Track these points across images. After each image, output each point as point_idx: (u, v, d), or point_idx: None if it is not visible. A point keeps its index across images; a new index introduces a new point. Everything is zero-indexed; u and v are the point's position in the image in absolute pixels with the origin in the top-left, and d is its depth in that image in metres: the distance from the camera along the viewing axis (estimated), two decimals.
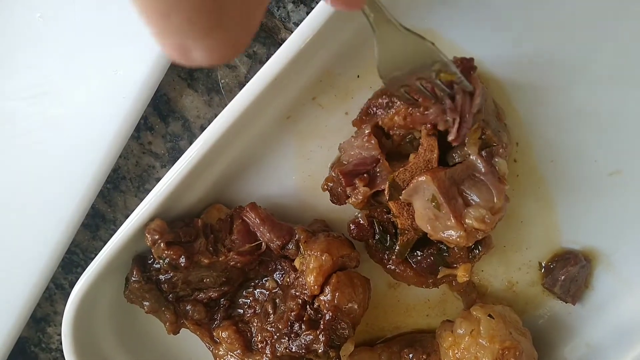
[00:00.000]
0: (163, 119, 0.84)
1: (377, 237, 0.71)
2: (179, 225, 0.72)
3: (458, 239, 0.62)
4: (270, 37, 0.77)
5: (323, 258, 0.67)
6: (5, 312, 0.87)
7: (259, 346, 0.71)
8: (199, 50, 0.35)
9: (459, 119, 0.61)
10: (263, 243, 0.71)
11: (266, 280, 0.74)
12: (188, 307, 0.74)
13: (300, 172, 0.77)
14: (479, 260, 0.69)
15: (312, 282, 0.67)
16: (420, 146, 0.64)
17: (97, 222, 0.89)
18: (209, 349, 0.76)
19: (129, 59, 0.75)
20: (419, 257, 0.70)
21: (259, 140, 0.74)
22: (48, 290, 0.91)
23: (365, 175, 0.67)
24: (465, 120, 0.61)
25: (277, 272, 0.73)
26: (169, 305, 0.74)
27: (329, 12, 0.64)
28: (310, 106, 0.74)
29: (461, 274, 0.69)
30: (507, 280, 0.78)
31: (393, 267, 0.71)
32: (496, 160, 0.63)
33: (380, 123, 0.66)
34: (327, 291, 0.67)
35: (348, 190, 0.67)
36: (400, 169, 0.65)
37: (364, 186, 0.67)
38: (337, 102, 0.73)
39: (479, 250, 0.69)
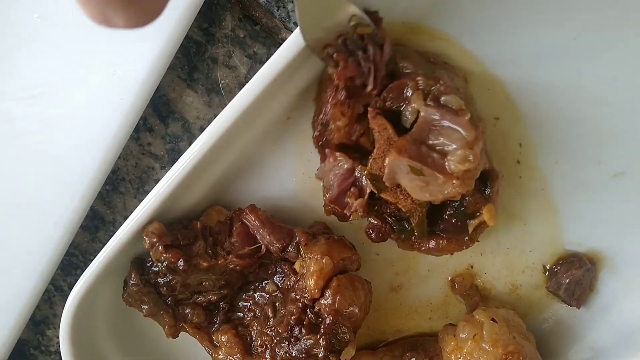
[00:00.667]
0: (163, 120, 0.82)
1: (395, 228, 0.69)
2: (178, 228, 0.70)
3: (457, 189, 0.60)
4: (270, 37, 0.76)
5: (323, 261, 0.66)
6: (4, 314, 0.86)
7: (259, 350, 0.70)
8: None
9: (373, 68, 0.61)
10: (263, 246, 0.70)
11: (266, 284, 0.73)
12: (187, 311, 0.73)
13: (300, 174, 0.75)
14: (496, 194, 0.66)
15: (312, 285, 0.66)
16: (374, 131, 0.63)
17: (96, 223, 0.88)
18: (209, 352, 0.75)
19: (128, 60, 0.74)
20: (443, 225, 0.68)
21: (258, 141, 0.73)
22: (47, 293, 0.90)
23: (352, 189, 0.67)
24: (379, 69, 0.62)
25: (278, 275, 0.72)
26: (167, 309, 0.72)
27: None
28: (310, 107, 0.72)
29: (488, 217, 0.65)
30: (510, 284, 0.77)
31: (426, 247, 0.69)
32: (444, 99, 0.61)
33: (332, 140, 0.66)
34: (327, 295, 0.66)
35: (346, 211, 0.67)
36: (371, 160, 0.63)
37: (355, 199, 0.66)
38: None
39: (489, 186, 0.66)
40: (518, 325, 0.70)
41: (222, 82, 0.80)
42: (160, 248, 0.67)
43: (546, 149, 0.71)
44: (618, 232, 0.73)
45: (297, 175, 0.75)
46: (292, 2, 0.74)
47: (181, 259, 0.68)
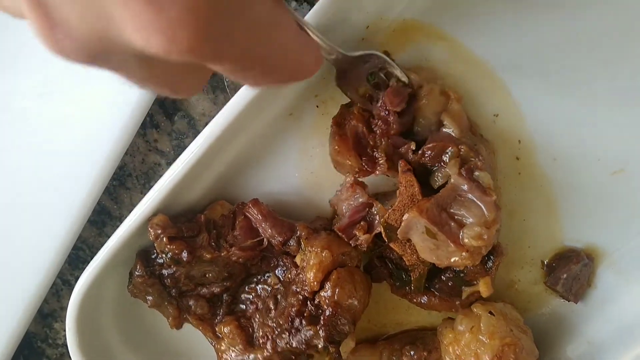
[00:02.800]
0: (169, 117, 0.83)
1: (393, 274, 0.72)
2: (182, 221, 0.70)
3: (463, 261, 0.62)
4: None
5: (323, 255, 0.66)
6: (12, 307, 0.86)
7: (260, 341, 0.70)
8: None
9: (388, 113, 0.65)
10: (265, 239, 0.70)
11: (268, 277, 0.73)
12: (191, 302, 0.73)
13: (303, 170, 0.75)
14: (496, 269, 0.68)
15: (311, 278, 0.66)
16: (400, 184, 0.65)
17: (103, 218, 0.88)
18: (211, 343, 0.75)
19: None
20: (439, 284, 0.70)
21: (261, 138, 0.73)
22: (55, 286, 0.91)
23: (362, 223, 0.68)
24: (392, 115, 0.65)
25: (279, 268, 0.72)
26: (171, 300, 0.73)
27: (331, 10, 0.63)
28: (312, 104, 0.72)
29: (484, 289, 0.67)
30: (509, 279, 0.76)
31: (418, 300, 0.71)
32: (477, 174, 0.63)
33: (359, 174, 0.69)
34: (327, 287, 0.66)
35: (352, 242, 0.68)
36: (390, 211, 0.65)
37: (363, 234, 0.68)
38: (337, 100, 0.71)
39: (492, 260, 0.67)
40: (515, 319, 0.70)
41: (227, 80, 0.80)
42: (164, 240, 0.67)
43: (545, 147, 0.71)
44: (616, 228, 0.72)
45: (299, 171, 0.75)
46: (296, 0, 0.75)
47: (185, 251, 0.68)
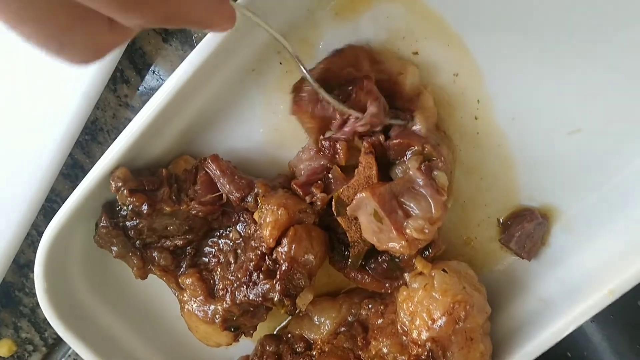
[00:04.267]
0: (138, 72, 0.82)
1: (333, 247, 0.72)
2: (145, 174, 0.70)
3: (401, 249, 0.63)
4: None
5: (279, 212, 0.66)
6: None
7: (220, 294, 0.70)
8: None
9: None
10: (223, 194, 0.70)
11: (230, 231, 0.72)
12: (155, 254, 0.73)
13: (267, 126, 0.74)
14: (431, 262, 0.69)
15: (267, 235, 0.66)
16: (360, 164, 0.65)
17: (76, 172, 0.88)
18: (175, 294, 0.75)
19: None
20: (374, 264, 0.71)
21: (225, 92, 0.71)
22: (31, 237, 0.91)
23: (319, 182, 0.69)
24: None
25: (240, 224, 0.71)
26: (136, 251, 0.72)
27: None
28: (274, 61, 0.71)
29: (420, 266, 0.69)
30: (465, 236, 0.76)
31: (352, 275, 0.72)
32: (435, 173, 0.64)
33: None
34: (284, 243, 0.66)
35: (307, 198, 0.69)
36: (344, 187, 0.66)
37: (320, 192, 0.68)
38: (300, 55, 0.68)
39: (428, 252, 0.69)
40: (469, 276, 0.69)
41: (195, 35, 0.79)
42: (125, 192, 0.67)
43: (503, 106, 0.69)
44: (571, 188, 0.71)
45: (263, 127, 0.74)
46: None
47: (145, 203, 0.67)
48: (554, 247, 0.74)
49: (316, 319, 0.76)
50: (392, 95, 0.68)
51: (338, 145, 0.67)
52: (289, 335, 0.77)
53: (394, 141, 0.66)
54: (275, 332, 0.81)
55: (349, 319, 0.75)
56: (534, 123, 0.70)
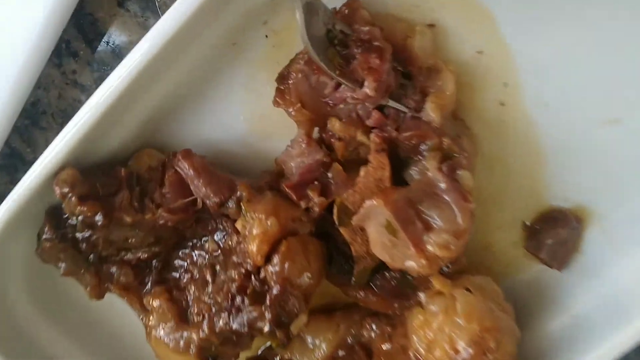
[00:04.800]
0: (89, 44, 0.73)
1: (332, 258, 0.64)
2: (98, 175, 0.61)
3: (419, 269, 0.56)
4: None
5: (268, 222, 0.56)
6: None
7: (196, 319, 0.60)
8: None
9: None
10: (198, 199, 0.60)
11: (206, 241, 0.63)
12: (113, 269, 0.63)
13: (249, 112, 0.66)
14: (451, 278, 0.61)
15: (254, 251, 0.56)
16: (369, 164, 0.58)
17: (15, 163, 0.78)
18: (139, 317, 0.65)
19: None
20: (380, 281, 0.63)
21: (199, 71, 0.64)
22: None
23: (316, 183, 0.61)
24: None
25: (219, 232, 0.62)
26: (89, 267, 0.62)
27: None
28: (260, 32, 0.63)
29: (438, 285, 0.60)
30: (485, 241, 0.68)
31: (353, 293, 0.64)
32: (459, 173, 0.57)
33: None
34: (275, 260, 0.57)
35: (302, 203, 0.60)
36: (349, 191, 0.59)
37: (318, 196, 0.60)
38: (293, 31, 0.62)
39: (447, 267, 0.61)
40: (495, 294, 0.60)
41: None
42: (73, 199, 0.58)
43: (535, 90, 0.62)
44: (610, 186, 0.64)
45: (245, 113, 0.66)
46: None
47: (100, 213, 0.58)
48: (589, 255, 0.66)
49: (309, 341, 0.67)
50: (403, 66, 0.61)
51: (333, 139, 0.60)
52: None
53: (405, 134, 0.58)
54: (259, 353, 0.71)
55: (349, 340, 0.66)
56: (568, 110, 0.63)
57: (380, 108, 0.59)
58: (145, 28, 0.70)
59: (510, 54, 0.61)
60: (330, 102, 0.59)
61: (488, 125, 0.64)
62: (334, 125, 0.59)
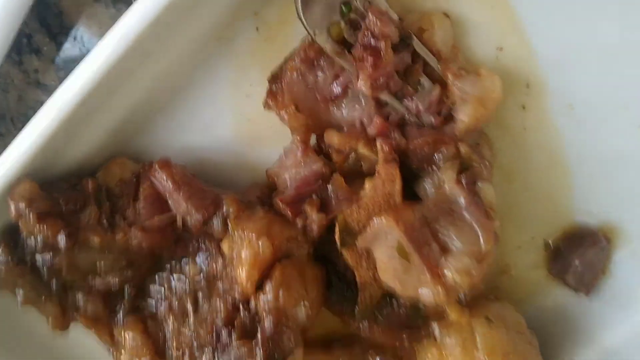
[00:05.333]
0: (53, 39, 0.68)
1: (331, 284, 0.59)
2: (62, 188, 0.55)
3: (435, 298, 0.51)
4: None
5: (259, 244, 0.51)
6: None
7: (174, 354, 0.55)
8: None
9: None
10: (178, 216, 0.54)
11: (186, 264, 0.56)
12: (79, 297, 0.56)
13: (237, 114, 0.62)
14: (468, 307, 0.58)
15: (244, 277, 0.51)
16: (377, 176, 0.53)
17: None
18: (109, 350, 0.59)
19: None
20: (387, 310, 0.57)
21: (180, 68, 0.59)
22: None
23: (314, 197, 0.56)
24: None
25: (201, 253, 0.56)
26: (51, 295, 0.56)
27: None
28: (250, 24, 0.59)
29: (455, 315, 0.55)
30: (502, 262, 0.64)
31: (355, 324, 0.59)
32: (480, 185, 0.53)
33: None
34: (267, 288, 0.51)
35: (298, 221, 0.55)
36: (353, 207, 0.53)
37: (317, 212, 0.55)
38: (287, 22, 0.58)
39: (464, 294, 0.56)
40: (517, 324, 0.56)
41: None
42: (31, 217, 0.52)
43: (559, 90, 0.58)
44: None
45: (232, 117, 0.62)
46: None
47: (62, 233, 0.52)
48: (619, 279, 0.63)
49: None
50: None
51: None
52: None
53: (417, 140, 0.53)
54: None
55: None
56: (596, 115, 0.59)
57: (387, 114, 0.54)
58: (117, 21, 0.63)
59: (532, 50, 0.57)
60: (329, 95, 0.55)
61: (508, 133, 0.60)
62: (332, 138, 0.54)
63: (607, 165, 0.60)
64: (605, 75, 0.57)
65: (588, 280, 0.61)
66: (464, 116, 0.52)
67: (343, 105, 0.55)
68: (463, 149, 0.53)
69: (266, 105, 0.55)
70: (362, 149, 0.54)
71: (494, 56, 0.57)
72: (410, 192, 0.55)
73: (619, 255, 0.62)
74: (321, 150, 0.57)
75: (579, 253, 0.61)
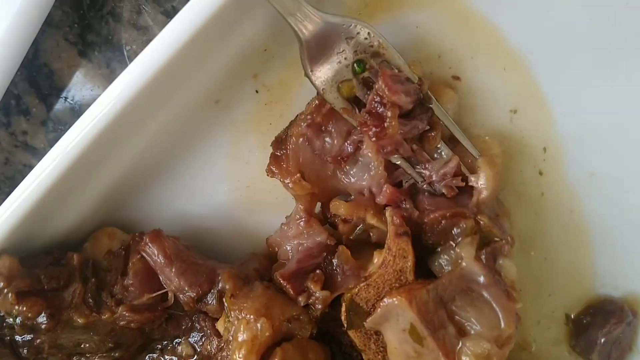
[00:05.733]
0: (43, 100, 0.66)
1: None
2: (45, 263, 0.52)
3: None
4: None
5: (258, 325, 0.48)
6: None
7: None
8: None
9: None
10: (169, 293, 0.51)
11: (178, 344, 0.53)
12: None
13: (234, 181, 0.59)
14: None
15: None
16: (387, 250, 0.50)
17: None
18: None
19: None
20: None
21: (174, 132, 0.57)
22: None
23: (318, 272, 0.52)
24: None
25: (195, 333, 0.53)
26: None
27: None
28: (249, 87, 0.57)
29: None
30: (521, 339, 0.61)
31: None
32: (501, 262, 0.50)
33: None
34: None
35: (300, 299, 0.51)
36: (361, 285, 0.50)
37: (320, 288, 0.51)
38: (287, 84, 0.56)
39: None
40: None
41: (127, 48, 0.64)
42: (10, 297, 0.48)
43: (579, 156, 0.56)
44: None
45: (229, 183, 0.59)
46: None
47: (44, 314, 0.48)
48: None
49: None
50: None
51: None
52: None
53: (433, 215, 0.49)
54: None
55: None
56: (618, 180, 0.56)
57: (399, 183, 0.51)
58: (110, 81, 0.61)
59: (550, 112, 0.55)
60: (338, 155, 0.52)
61: (525, 199, 0.58)
62: (339, 209, 0.51)
63: (630, 234, 0.58)
64: (627, 140, 0.55)
65: (615, 358, 0.57)
66: (483, 182, 0.49)
67: (351, 172, 0.51)
68: (483, 222, 0.49)
69: (269, 172, 0.53)
70: (371, 219, 0.50)
71: (508, 118, 0.55)
72: (423, 268, 0.51)
73: None
74: (326, 218, 0.54)
75: (605, 331, 0.57)
